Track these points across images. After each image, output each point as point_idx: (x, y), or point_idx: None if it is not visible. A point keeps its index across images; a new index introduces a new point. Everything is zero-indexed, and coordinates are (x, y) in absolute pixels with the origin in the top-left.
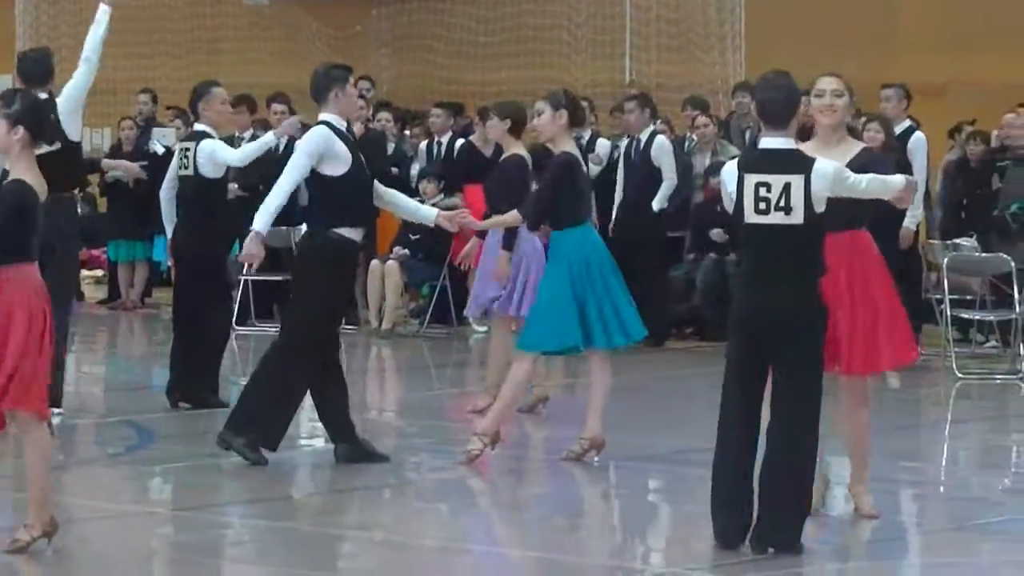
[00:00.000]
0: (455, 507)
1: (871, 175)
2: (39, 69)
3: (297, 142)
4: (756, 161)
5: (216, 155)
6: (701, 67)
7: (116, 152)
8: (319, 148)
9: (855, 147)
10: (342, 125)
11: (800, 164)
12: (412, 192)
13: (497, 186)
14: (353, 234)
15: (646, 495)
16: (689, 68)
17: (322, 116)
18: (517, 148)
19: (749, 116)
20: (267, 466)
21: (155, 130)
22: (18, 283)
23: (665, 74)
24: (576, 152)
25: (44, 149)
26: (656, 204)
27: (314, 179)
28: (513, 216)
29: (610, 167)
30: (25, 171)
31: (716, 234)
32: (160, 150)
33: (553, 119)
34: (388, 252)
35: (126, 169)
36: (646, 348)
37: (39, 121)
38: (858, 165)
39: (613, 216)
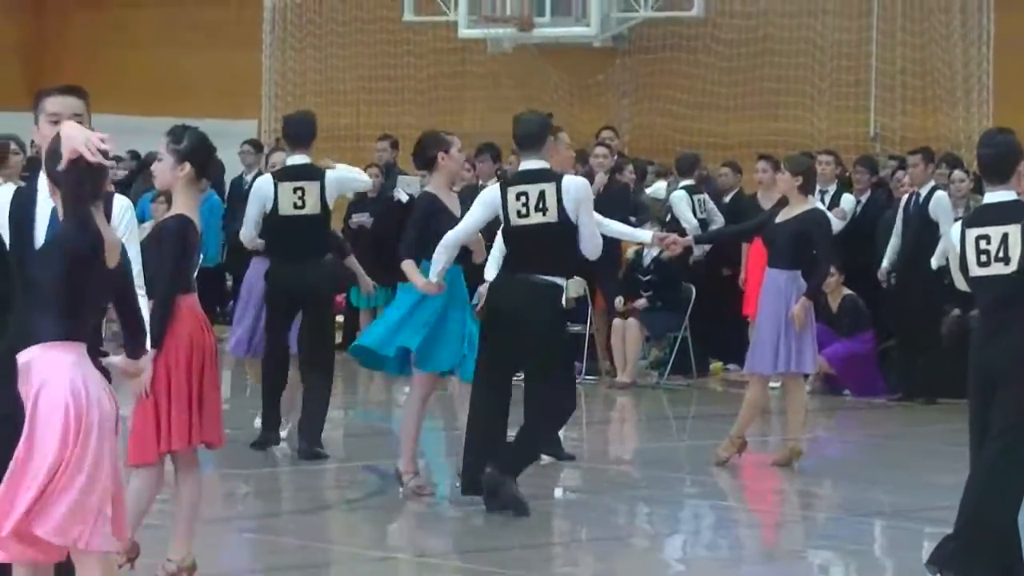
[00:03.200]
0: (686, 558)
1: None
2: (303, 132)
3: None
4: (977, 216)
5: None
6: (947, 120)
7: (362, 199)
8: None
9: None
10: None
11: (1017, 213)
12: None
13: (797, 240)
14: None
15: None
16: (934, 121)
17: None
18: (807, 204)
19: None
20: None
21: (400, 178)
22: (186, 313)
23: (909, 127)
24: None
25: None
26: (935, 262)
27: None
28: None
29: (855, 222)
30: (185, 207)
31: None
32: (404, 198)
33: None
34: (625, 307)
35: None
36: (917, 404)
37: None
38: None
39: (884, 264)
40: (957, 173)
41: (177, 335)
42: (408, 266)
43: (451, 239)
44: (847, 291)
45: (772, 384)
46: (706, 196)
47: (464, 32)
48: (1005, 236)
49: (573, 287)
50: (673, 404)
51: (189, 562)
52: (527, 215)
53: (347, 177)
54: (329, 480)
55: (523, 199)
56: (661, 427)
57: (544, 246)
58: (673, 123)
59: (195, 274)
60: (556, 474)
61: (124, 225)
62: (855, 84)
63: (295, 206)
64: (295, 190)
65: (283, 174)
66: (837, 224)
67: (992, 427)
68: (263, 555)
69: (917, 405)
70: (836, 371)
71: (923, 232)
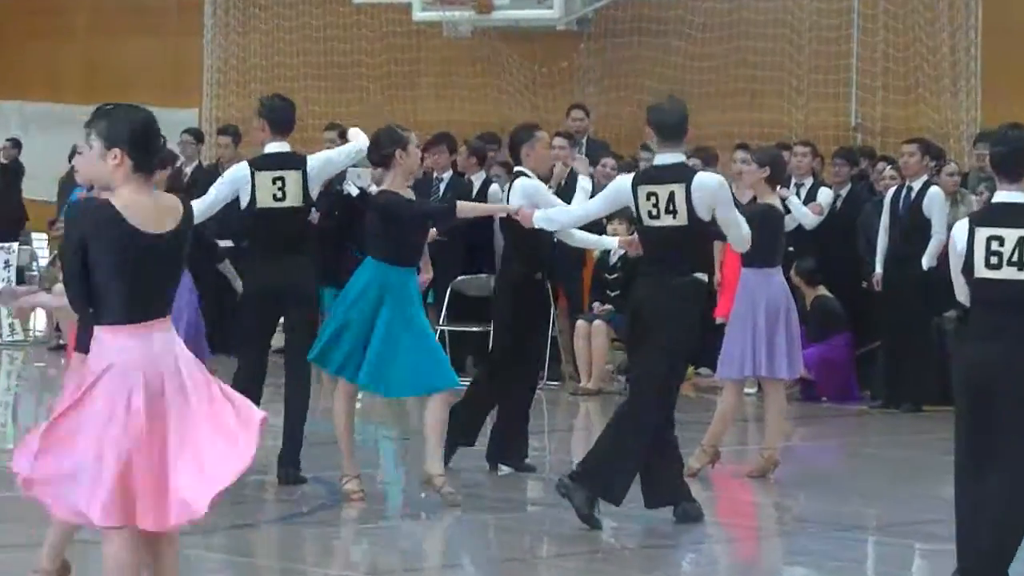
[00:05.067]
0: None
1: None
2: (285, 117)
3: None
4: (988, 215)
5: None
6: (931, 110)
7: None
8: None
9: None
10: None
11: None
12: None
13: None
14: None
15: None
16: (917, 111)
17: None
18: (771, 198)
19: (986, 169)
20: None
21: (350, 170)
22: None
23: (892, 117)
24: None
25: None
26: (926, 262)
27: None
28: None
29: (833, 217)
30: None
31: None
32: (354, 191)
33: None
34: (589, 309)
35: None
36: (900, 411)
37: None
38: None
39: (877, 268)
40: (951, 166)
41: None
42: (466, 205)
43: (570, 217)
44: (820, 291)
45: (747, 390)
46: None
47: (419, 15)
48: (1020, 240)
49: None
50: None
51: None
52: (658, 216)
53: (331, 159)
54: (273, 492)
55: (653, 199)
56: None
57: (677, 247)
58: (642, 112)
59: None
60: (518, 485)
61: None
62: (835, 71)
63: (275, 197)
64: (275, 180)
65: (261, 162)
66: (813, 220)
67: (999, 450)
68: (204, 572)
69: (900, 412)
70: (812, 376)
71: (914, 229)
